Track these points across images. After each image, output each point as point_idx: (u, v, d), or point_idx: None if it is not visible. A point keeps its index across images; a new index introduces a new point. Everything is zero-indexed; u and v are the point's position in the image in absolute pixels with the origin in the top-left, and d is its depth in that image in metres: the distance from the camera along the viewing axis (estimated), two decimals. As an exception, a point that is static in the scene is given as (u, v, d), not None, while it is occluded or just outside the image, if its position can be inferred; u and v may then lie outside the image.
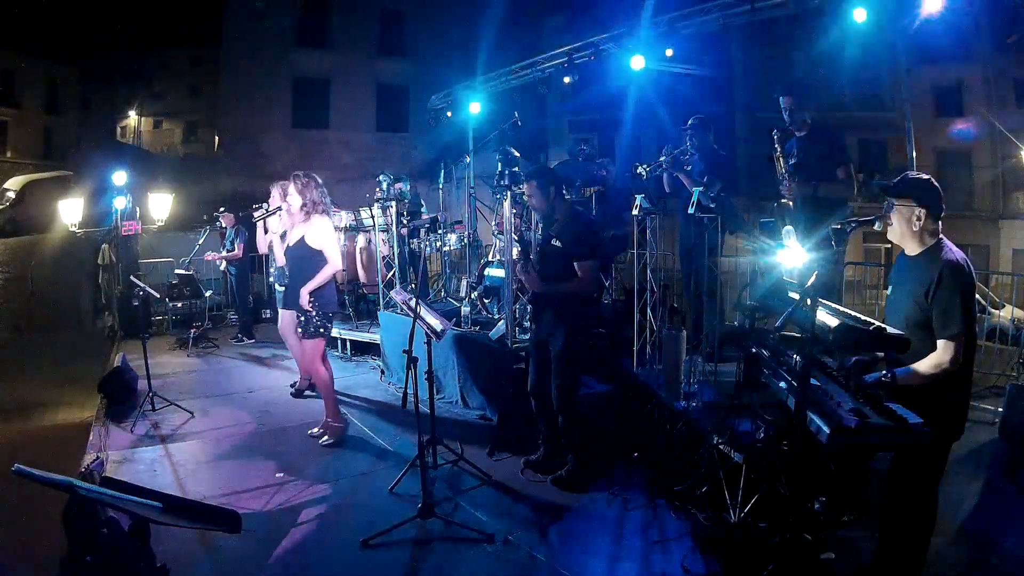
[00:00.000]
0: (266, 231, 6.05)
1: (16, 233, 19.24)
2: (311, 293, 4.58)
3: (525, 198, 4.25)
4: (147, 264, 9.71)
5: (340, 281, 8.47)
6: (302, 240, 4.68)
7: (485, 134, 7.80)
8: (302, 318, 4.67)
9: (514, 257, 5.00)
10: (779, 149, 4.44)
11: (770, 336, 2.93)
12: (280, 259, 5.25)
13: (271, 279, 5.95)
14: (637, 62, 6.79)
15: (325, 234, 4.65)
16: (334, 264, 4.68)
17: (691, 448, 4.08)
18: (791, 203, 4.34)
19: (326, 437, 4.77)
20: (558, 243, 4.02)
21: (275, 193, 5.47)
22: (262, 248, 6.20)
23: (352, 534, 3.49)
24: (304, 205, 4.66)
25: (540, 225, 4.86)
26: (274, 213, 5.27)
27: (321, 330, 4.69)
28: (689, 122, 5.35)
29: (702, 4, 5.78)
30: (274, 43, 21.18)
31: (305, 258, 4.68)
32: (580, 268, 3.92)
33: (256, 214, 6.18)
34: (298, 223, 4.76)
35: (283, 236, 5.09)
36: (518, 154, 5.84)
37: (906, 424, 2.37)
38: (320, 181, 4.78)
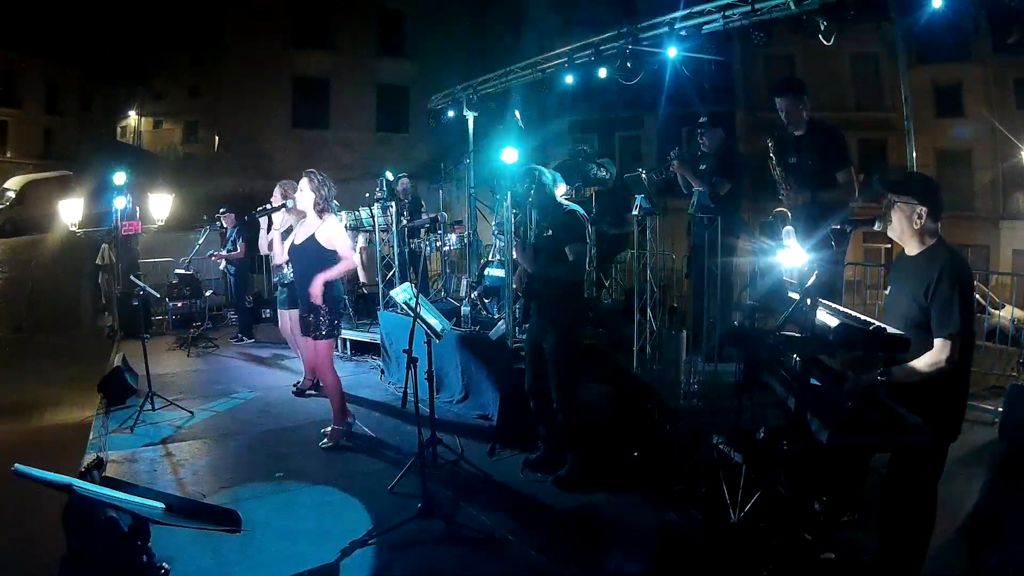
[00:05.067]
0: (269, 229, 5.92)
1: (16, 233, 19.22)
2: (324, 284, 4.49)
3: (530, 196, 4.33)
4: (147, 264, 9.72)
5: (344, 281, 8.49)
6: (312, 238, 4.58)
7: (485, 134, 7.81)
8: (312, 317, 4.58)
9: (514, 255, 5.02)
10: (774, 158, 4.39)
11: (770, 336, 2.92)
12: (279, 257, 5.11)
13: (275, 279, 5.87)
14: (637, 62, 6.79)
15: (338, 234, 4.60)
16: (349, 261, 4.65)
17: (691, 448, 4.08)
18: (790, 213, 4.29)
19: (326, 440, 4.73)
20: (550, 232, 4.13)
21: (277, 193, 5.38)
22: (264, 248, 5.98)
23: (352, 534, 3.49)
24: (317, 203, 4.58)
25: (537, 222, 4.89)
26: (277, 210, 5.19)
27: (334, 330, 4.67)
28: (701, 120, 5.34)
29: (703, 4, 5.78)
30: (274, 43, 21.18)
31: (314, 257, 4.58)
32: (570, 251, 4.02)
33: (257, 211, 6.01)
34: (307, 221, 4.66)
35: (284, 234, 4.99)
36: (518, 154, 5.85)
37: (905, 424, 2.37)
38: (332, 182, 4.72)
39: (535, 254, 4.24)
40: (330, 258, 4.58)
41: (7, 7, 22.73)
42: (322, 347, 4.67)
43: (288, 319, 6.00)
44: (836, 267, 4.30)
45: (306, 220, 4.67)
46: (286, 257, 4.90)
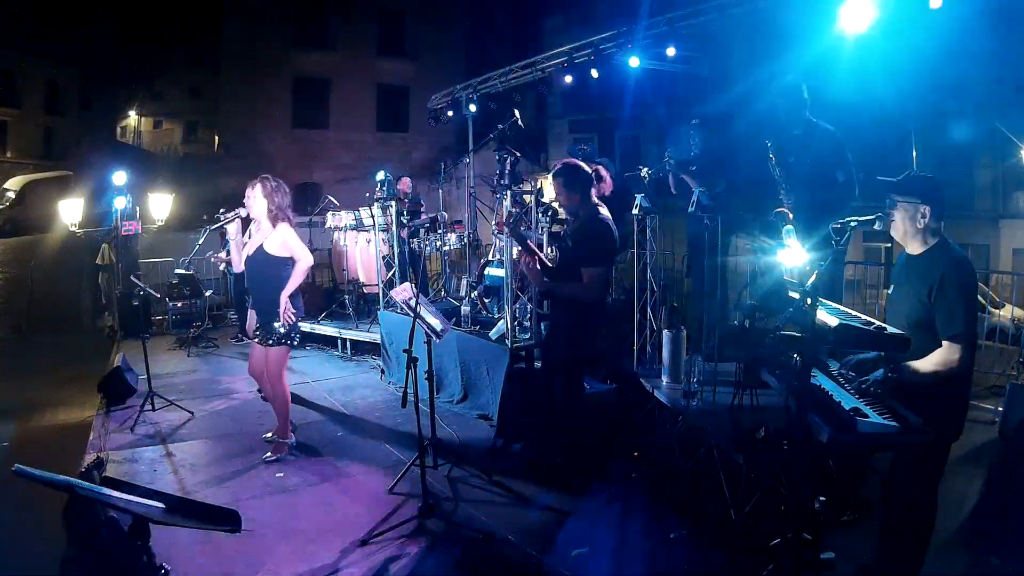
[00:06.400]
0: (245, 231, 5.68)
1: (16, 233, 19.22)
2: (289, 298, 4.35)
3: (555, 195, 4.17)
4: (147, 264, 9.72)
5: (341, 281, 8.50)
6: (260, 248, 4.42)
7: (485, 134, 7.81)
8: (266, 326, 4.44)
9: (514, 256, 5.00)
10: (774, 158, 4.40)
11: (770, 336, 2.92)
12: (237, 266, 4.88)
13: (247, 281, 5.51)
14: (636, 62, 6.80)
15: (292, 238, 4.41)
16: (306, 261, 4.40)
17: (691, 448, 4.08)
18: (790, 213, 4.29)
19: (269, 454, 4.52)
20: (570, 243, 4.00)
21: (249, 194, 5.25)
22: (236, 265, 5.08)
23: (352, 533, 3.49)
24: (270, 210, 4.41)
25: (542, 224, 4.83)
26: (231, 221, 4.99)
27: (291, 338, 4.47)
28: (693, 122, 5.35)
29: (701, 4, 5.78)
30: (274, 43, 21.19)
31: (262, 265, 4.43)
32: (585, 274, 3.86)
33: (214, 227, 5.61)
34: (261, 229, 4.48)
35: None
36: (518, 154, 5.84)
37: (906, 424, 2.37)
38: (287, 189, 4.54)
39: (556, 264, 4.04)
40: (280, 265, 4.39)
41: (7, 7, 22.73)
42: (273, 355, 4.48)
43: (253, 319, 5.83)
44: (836, 266, 4.30)
45: (260, 228, 4.49)
46: (243, 267, 4.69)
